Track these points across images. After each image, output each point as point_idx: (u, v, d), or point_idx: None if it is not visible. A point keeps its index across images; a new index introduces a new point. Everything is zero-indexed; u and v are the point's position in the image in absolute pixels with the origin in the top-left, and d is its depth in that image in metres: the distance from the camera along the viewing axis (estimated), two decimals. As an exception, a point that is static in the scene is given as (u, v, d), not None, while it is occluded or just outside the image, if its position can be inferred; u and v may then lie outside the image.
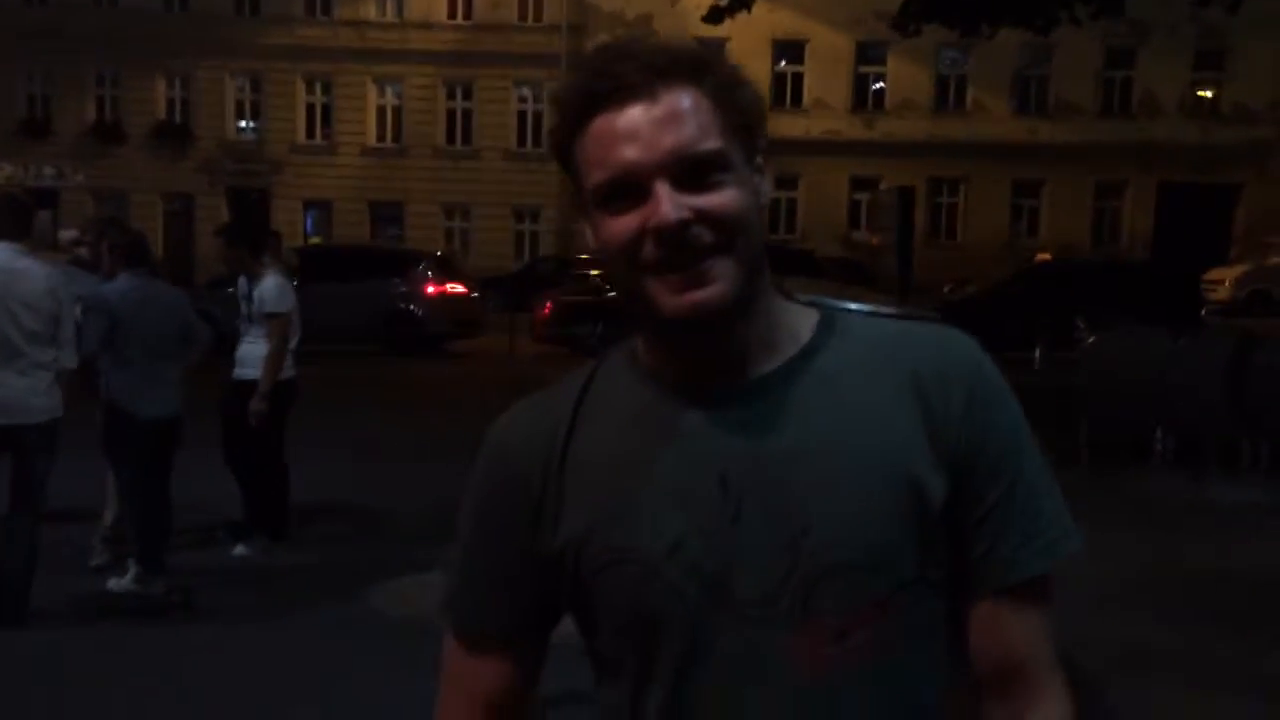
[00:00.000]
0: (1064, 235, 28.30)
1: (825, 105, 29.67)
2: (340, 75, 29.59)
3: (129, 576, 5.03)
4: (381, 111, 30.20)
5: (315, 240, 26.23)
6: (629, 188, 0.96)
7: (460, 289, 16.33)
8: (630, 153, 0.95)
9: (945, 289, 21.29)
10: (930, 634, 1.01)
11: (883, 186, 27.08)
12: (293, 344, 5.91)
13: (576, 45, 28.87)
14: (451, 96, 29.94)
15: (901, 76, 28.93)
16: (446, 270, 16.73)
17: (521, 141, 29.88)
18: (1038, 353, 10.75)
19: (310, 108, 30.06)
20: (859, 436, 0.99)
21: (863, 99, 29.95)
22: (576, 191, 1.02)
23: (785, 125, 29.24)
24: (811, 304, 1.09)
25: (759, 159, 1.02)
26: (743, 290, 0.97)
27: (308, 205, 29.75)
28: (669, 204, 0.94)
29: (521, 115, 29.90)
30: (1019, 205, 30.11)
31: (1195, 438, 8.20)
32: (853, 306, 1.07)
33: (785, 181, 29.70)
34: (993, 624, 1.02)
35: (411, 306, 15.68)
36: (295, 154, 29.71)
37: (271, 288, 5.73)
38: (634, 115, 0.95)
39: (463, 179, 29.55)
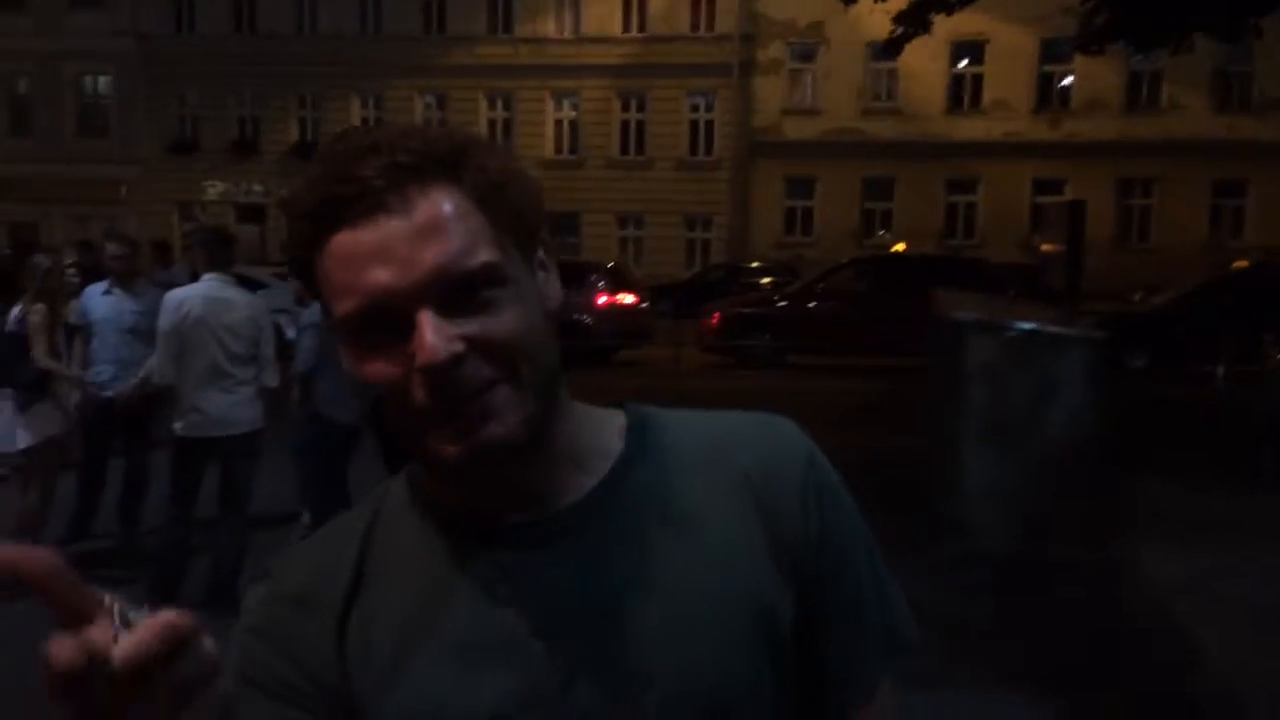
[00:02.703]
0: (1273, 237, 26.46)
1: (1006, 106, 28.73)
2: (520, 90, 30.64)
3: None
4: (559, 125, 31.08)
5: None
6: (384, 319, 0.77)
7: (631, 299, 16.68)
8: (382, 276, 0.76)
9: (1135, 296, 20.30)
10: None
11: (1066, 191, 26.12)
12: None
13: (748, 54, 29.02)
14: (626, 108, 30.52)
15: (1090, 74, 27.70)
16: (618, 280, 17.09)
17: (694, 150, 30.21)
18: (1220, 370, 10.19)
19: (492, 123, 31.22)
20: (696, 562, 0.84)
21: (1047, 99, 28.84)
22: (324, 311, 0.83)
23: (964, 128, 28.57)
24: (617, 406, 0.94)
25: (541, 254, 0.86)
26: (534, 419, 0.80)
27: (489, 217, 30.93)
28: (436, 338, 0.75)
29: (694, 124, 30.22)
30: (1219, 206, 28.32)
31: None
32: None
33: (964, 185, 28.97)
34: None
35: (583, 317, 16.14)
36: (478, 167, 30.94)
37: None
38: (383, 229, 0.77)
39: (636, 188, 30.11)
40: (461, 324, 0.77)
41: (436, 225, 0.77)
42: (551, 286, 0.86)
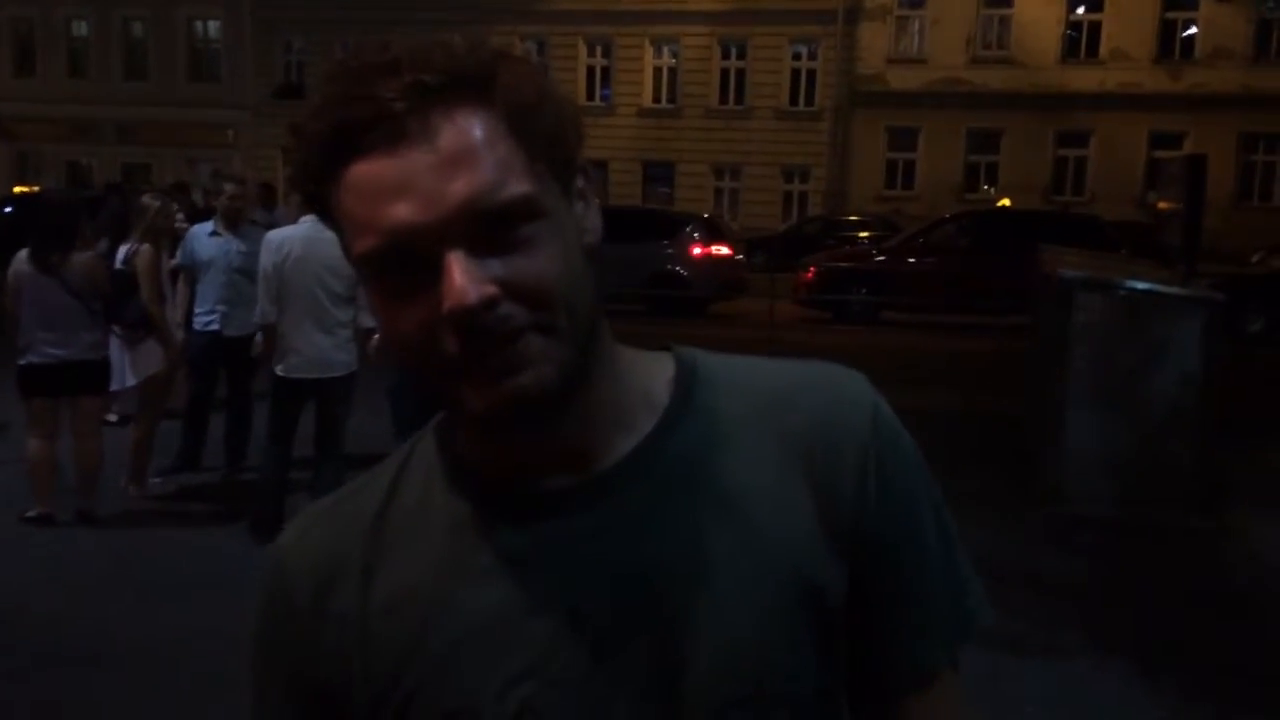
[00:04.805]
0: (1406, 198, 24.99)
1: (1125, 55, 27.51)
2: (619, 37, 30.39)
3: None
4: (658, 72, 30.78)
5: (590, 201, 27.28)
6: (407, 259, 0.70)
7: (725, 251, 16.55)
8: (404, 211, 0.69)
9: (1254, 257, 19.42)
10: None
11: (1185, 146, 24.96)
12: None
13: (854, 1, 28.25)
14: (726, 56, 30.05)
15: (1216, 23, 26.35)
16: (713, 232, 16.96)
17: (794, 100, 29.65)
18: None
19: (591, 69, 31.08)
20: (739, 535, 0.77)
21: (1168, 48, 27.52)
22: (343, 248, 0.75)
23: (1078, 78, 27.48)
24: (666, 350, 0.86)
25: (580, 182, 0.78)
26: (570, 369, 0.73)
27: (586, 165, 30.91)
28: (467, 281, 0.68)
29: (795, 73, 29.63)
30: (1351, 164, 26.83)
31: None
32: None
33: (1075, 139, 27.93)
34: None
35: (678, 268, 16.07)
36: (576, 115, 30.89)
37: None
38: (405, 159, 0.69)
39: (734, 138, 29.73)
40: (494, 264, 0.70)
41: (465, 153, 0.69)
42: (591, 219, 0.78)
